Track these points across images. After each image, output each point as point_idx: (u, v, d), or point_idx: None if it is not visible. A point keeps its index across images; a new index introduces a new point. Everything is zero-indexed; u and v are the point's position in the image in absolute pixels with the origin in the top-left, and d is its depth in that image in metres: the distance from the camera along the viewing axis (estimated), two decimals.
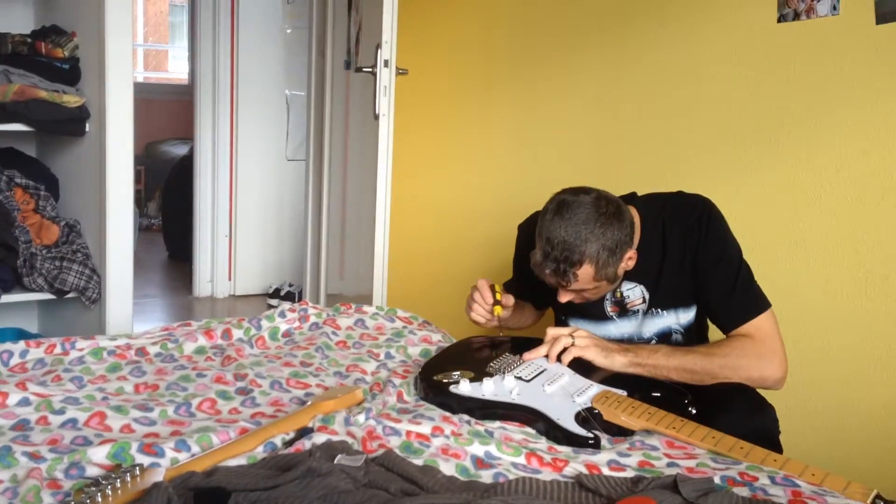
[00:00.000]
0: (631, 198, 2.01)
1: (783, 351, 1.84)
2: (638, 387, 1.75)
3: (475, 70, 3.41)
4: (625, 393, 1.71)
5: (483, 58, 3.38)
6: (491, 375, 1.77)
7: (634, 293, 1.98)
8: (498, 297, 2.03)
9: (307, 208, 3.98)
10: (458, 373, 1.78)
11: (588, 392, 1.71)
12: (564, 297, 1.94)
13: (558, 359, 1.83)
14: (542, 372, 1.80)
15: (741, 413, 1.71)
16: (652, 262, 1.95)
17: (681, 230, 1.92)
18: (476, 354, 1.94)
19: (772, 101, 2.39)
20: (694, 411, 1.69)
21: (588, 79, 2.92)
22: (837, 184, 2.26)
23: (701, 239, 1.90)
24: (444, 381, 1.76)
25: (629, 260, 1.90)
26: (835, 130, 2.26)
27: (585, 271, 1.85)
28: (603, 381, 1.76)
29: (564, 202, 1.85)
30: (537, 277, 1.98)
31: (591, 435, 1.56)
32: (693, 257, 1.90)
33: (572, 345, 1.83)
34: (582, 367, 1.82)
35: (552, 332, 1.87)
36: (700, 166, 2.56)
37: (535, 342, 1.91)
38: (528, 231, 2.12)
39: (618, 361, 1.81)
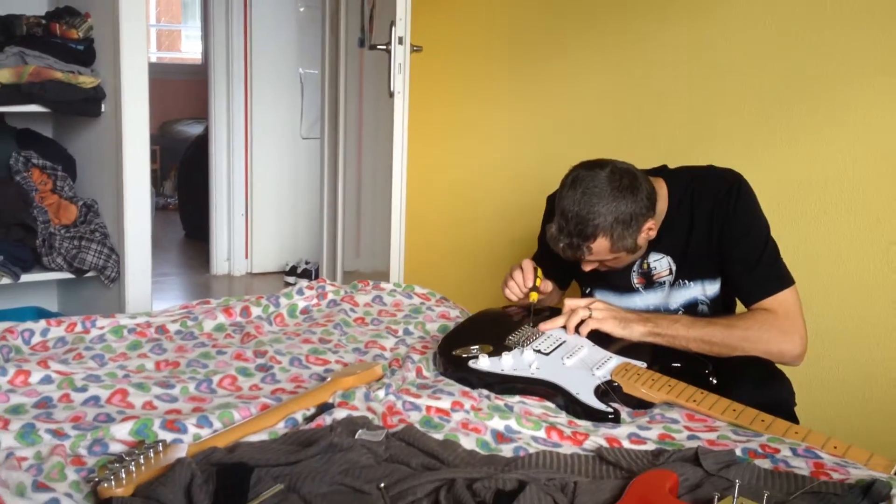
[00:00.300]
0: (660, 170, 2.00)
1: (804, 328, 1.83)
2: (657, 357, 1.75)
3: (491, 46, 3.39)
4: (644, 365, 1.71)
5: (499, 33, 3.35)
6: (510, 349, 1.77)
7: (661, 265, 1.98)
8: (538, 282, 2.02)
9: (322, 186, 3.98)
10: (477, 347, 1.78)
11: (607, 365, 1.71)
12: (588, 266, 1.94)
13: (577, 331, 1.82)
14: (561, 344, 1.79)
15: (755, 383, 1.70)
16: (679, 234, 1.94)
17: (710, 202, 1.91)
18: (494, 327, 1.93)
19: (797, 69, 2.36)
20: (715, 381, 1.69)
21: (609, 51, 2.89)
22: (862, 154, 2.24)
23: (730, 211, 1.89)
24: (463, 356, 1.76)
25: (649, 230, 1.89)
26: (862, 100, 2.23)
27: (600, 244, 1.84)
28: (622, 353, 1.76)
29: (578, 176, 1.85)
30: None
31: (610, 410, 1.56)
32: (720, 229, 1.89)
33: (590, 317, 1.82)
34: (601, 338, 1.81)
35: (570, 303, 1.87)
36: (723, 137, 2.53)
37: (555, 313, 1.91)
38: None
39: (636, 331, 1.81)
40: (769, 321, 1.81)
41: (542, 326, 1.86)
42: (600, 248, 1.85)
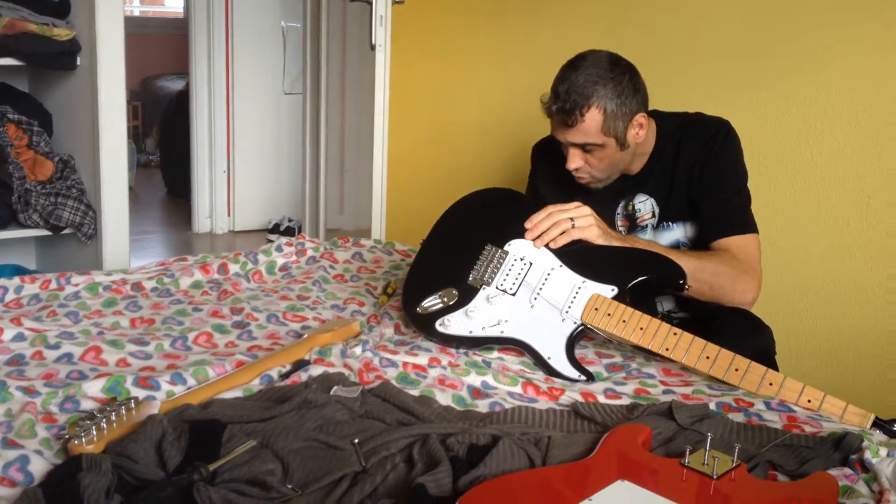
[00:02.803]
0: (652, 112, 1.98)
1: (761, 275, 1.85)
2: (627, 273, 1.67)
3: None
4: (615, 290, 1.64)
5: None
6: (475, 290, 1.72)
7: (645, 206, 1.97)
8: (390, 290, 2.03)
9: (305, 142, 3.94)
10: (439, 294, 1.73)
11: (577, 301, 1.64)
12: (573, 162, 1.88)
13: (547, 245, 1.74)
14: (527, 273, 1.71)
15: (738, 333, 1.70)
16: (664, 176, 1.94)
17: (696, 146, 1.91)
18: (452, 258, 1.81)
19: (778, 18, 2.33)
20: (688, 287, 1.67)
21: (591, 3, 2.86)
22: (843, 107, 2.22)
23: (712, 154, 1.89)
24: (430, 310, 1.71)
25: (640, 128, 1.88)
26: (840, 49, 2.21)
27: (593, 116, 1.81)
28: (591, 275, 1.67)
29: (579, 55, 1.86)
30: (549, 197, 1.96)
31: (583, 378, 1.55)
32: (701, 170, 1.90)
33: (572, 227, 1.72)
34: (567, 252, 1.73)
35: (552, 208, 1.75)
36: (705, 87, 2.51)
37: (517, 214, 1.79)
38: (545, 149, 2.09)
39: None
40: (734, 262, 1.82)
41: (528, 231, 1.74)
42: (591, 124, 1.81)
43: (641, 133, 1.89)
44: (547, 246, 1.73)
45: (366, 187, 3.23)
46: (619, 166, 1.93)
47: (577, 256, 1.72)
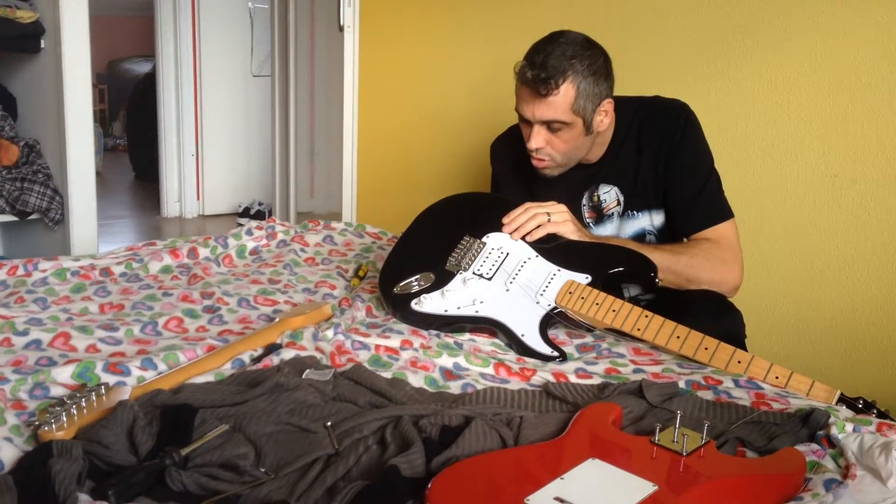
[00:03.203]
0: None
1: (742, 260, 1.87)
2: (601, 264, 1.71)
3: None
4: (589, 279, 1.67)
5: None
6: (451, 275, 1.74)
7: (610, 196, 1.98)
8: (361, 273, 2.03)
9: (274, 125, 3.91)
10: (418, 276, 1.76)
11: (552, 286, 1.67)
12: (535, 141, 1.87)
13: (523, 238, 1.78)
14: (503, 260, 1.75)
15: (707, 316, 1.71)
16: (627, 164, 1.94)
17: (656, 132, 1.92)
18: (432, 243, 1.85)
19: (742, 1, 2.35)
20: (660, 282, 1.69)
21: None
22: (807, 88, 2.24)
23: (675, 141, 1.89)
24: (406, 293, 1.73)
25: (605, 115, 1.88)
26: (804, 32, 2.23)
27: (566, 91, 1.81)
28: (566, 264, 1.70)
29: (558, 31, 1.87)
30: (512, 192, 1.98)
31: (556, 354, 1.56)
32: (666, 159, 1.90)
33: (548, 221, 1.77)
34: (543, 247, 1.76)
35: (530, 204, 1.80)
36: (665, 69, 2.53)
37: (495, 210, 1.84)
38: (503, 145, 2.09)
39: None
40: (712, 251, 1.84)
41: (504, 224, 1.79)
42: (564, 98, 1.81)
43: (606, 121, 1.90)
44: (524, 239, 1.77)
45: (336, 170, 3.22)
46: (580, 151, 1.93)
47: (553, 249, 1.76)
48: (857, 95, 2.16)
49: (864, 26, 2.13)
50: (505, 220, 1.79)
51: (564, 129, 1.86)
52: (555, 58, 1.80)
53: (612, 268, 1.70)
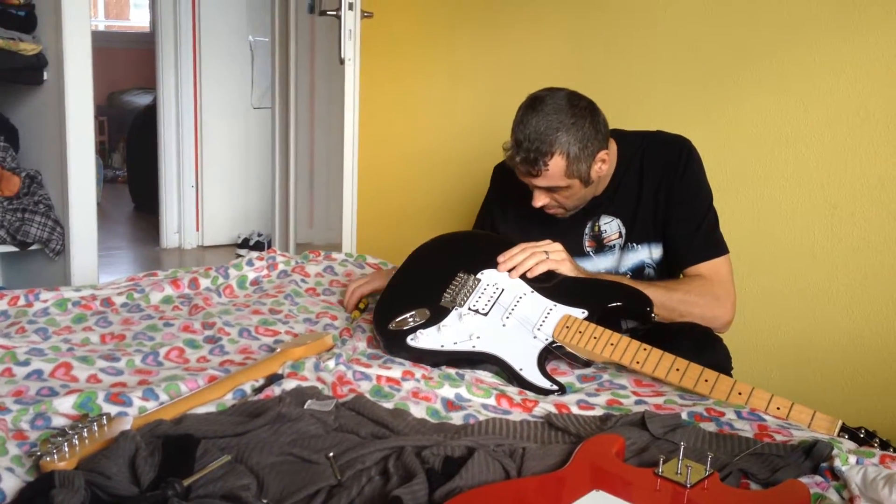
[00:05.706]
0: (612, 131, 2.00)
1: (735, 296, 1.88)
2: (599, 299, 1.72)
3: (442, 13, 3.36)
4: (585, 313, 1.68)
5: (450, 0, 3.32)
6: (447, 311, 1.74)
7: (611, 227, 1.98)
8: (362, 305, 2.02)
9: (274, 157, 3.93)
10: (413, 313, 1.75)
11: (549, 320, 1.67)
12: (539, 201, 1.90)
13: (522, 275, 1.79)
14: (499, 296, 1.75)
15: (691, 349, 1.70)
16: (629, 197, 1.95)
17: (659, 166, 1.93)
18: (428, 280, 1.86)
19: (739, 36, 2.37)
20: (656, 317, 1.70)
21: (555, 21, 2.89)
22: (805, 121, 2.26)
23: (677, 176, 1.91)
24: (402, 329, 1.71)
25: (602, 163, 1.89)
26: (803, 66, 2.25)
27: (556, 163, 1.81)
28: (562, 300, 1.71)
29: (538, 97, 1.85)
30: (508, 222, 1.98)
31: (555, 388, 1.56)
32: (667, 193, 1.92)
33: (546, 259, 1.78)
34: (538, 285, 1.77)
35: (526, 245, 1.82)
36: (668, 105, 2.55)
37: (489, 247, 1.86)
38: (505, 174, 2.10)
39: None
40: (706, 287, 1.85)
41: (500, 263, 1.80)
42: (555, 169, 1.82)
43: (604, 167, 1.91)
44: (523, 277, 1.78)
45: (336, 201, 3.23)
46: (587, 197, 1.95)
47: (549, 286, 1.76)
48: (856, 129, 2.17)
49: (861, 60, 2.15)
50: (500, 258, 1.80)
51: (563, 190, 1.88)
52: (539, 135, 1.79)
53: (609, 302, 1.72)
